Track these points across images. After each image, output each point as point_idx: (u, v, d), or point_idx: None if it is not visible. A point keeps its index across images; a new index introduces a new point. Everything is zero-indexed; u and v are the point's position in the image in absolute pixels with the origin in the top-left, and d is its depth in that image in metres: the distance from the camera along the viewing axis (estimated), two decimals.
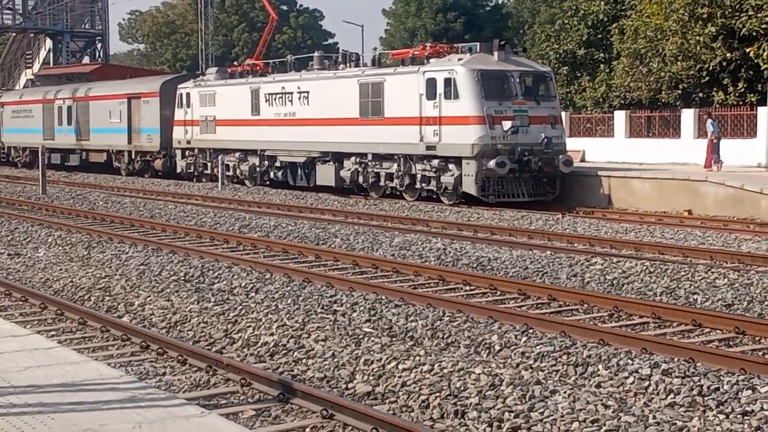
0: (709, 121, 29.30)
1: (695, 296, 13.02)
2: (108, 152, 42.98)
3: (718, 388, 8.50)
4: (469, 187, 26.08)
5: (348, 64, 31.14)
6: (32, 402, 6.82)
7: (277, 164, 33.20)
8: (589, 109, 38.91)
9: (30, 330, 10.24)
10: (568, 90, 40.53)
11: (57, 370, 7.73)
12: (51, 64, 66.06)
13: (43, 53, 69.26)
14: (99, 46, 68.04)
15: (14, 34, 71.45)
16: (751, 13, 31.84)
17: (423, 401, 8.41)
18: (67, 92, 46.62)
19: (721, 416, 7.93)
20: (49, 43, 67.76)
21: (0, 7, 65.69)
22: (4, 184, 37.58)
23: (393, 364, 9.37)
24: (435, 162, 26.94)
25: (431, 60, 27.81)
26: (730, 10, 32.72)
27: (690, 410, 8.10)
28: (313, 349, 10.16)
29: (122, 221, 23.06)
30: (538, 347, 10.01)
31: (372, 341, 10.30)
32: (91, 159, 44.43)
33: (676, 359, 9.48)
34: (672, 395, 8.43)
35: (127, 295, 13.30)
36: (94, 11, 67.67)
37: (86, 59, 67.39)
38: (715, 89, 33.96)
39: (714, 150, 28.63)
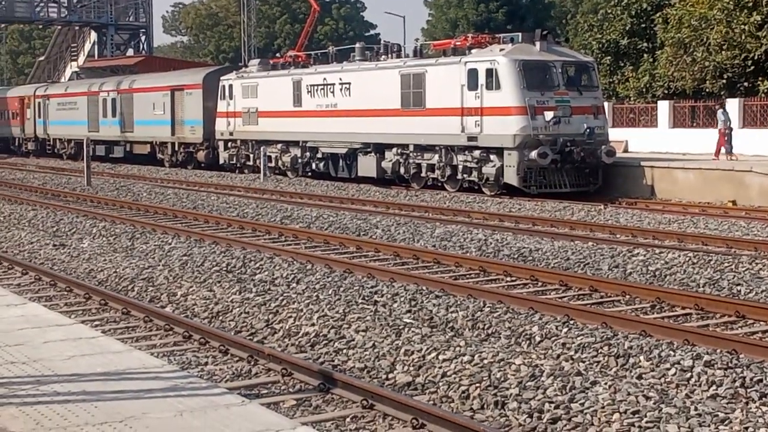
0: (720, 111, 29.23)
1: (739, 287, 12.91)
2: (152, 144, 43.32)
3: (761, 380, 8.43)
4: (511, 177, 25.99)
5: (389, 55, 31.12)
6: (76, 390, 6.90)
7: (319, 155, 33.28)
8: (632, 99, 38.59)
9: (74, 320, 10.36)
10: (610, 80, 40.20)
11: (100, 359, 7.81)
12: (96, 57, 66.69)
13: (87, 46, 69.97)
14: (143, 38, 68.59)
15: (60, 27, 72.21)
16: None
17: (463, 392, 8.42)
18: (112, 84, 47.02)
19: (764, 408, 7.87)
20: (93, 35, 68.40)
21: (46, 1, 66.35)
22: (49, 175, 38.01)
23: (433, 354, 9.38)
24: (476, 153, 26.87)
25: (473, 51, 27.72)
26: None
27: (732, 402, 8.04)
28: (353, 340, 10.20)
29: (165, 212, 23.24)
30: (579, 338, 9.98)
31: (412, 332, 10.32)
32: (135, 151, 44.81)
33: (718, 351, 9.41)
34: (714, 387, 8.37)
35: (170, 286, 13.42)
36: (138, 4, 68.20)
37: (130, 52, 67.97)
38: (760, 78, 33.54)
39: (727, 140, 28.55)
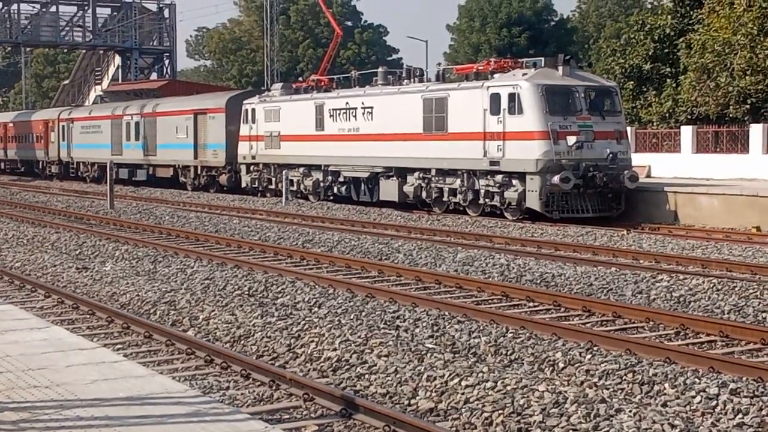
0: None
1: (764, 314, 12.79)
2: (174, 167, 43.49)
3: None
4: (533, 202, 25.93)
5: (412, 80, 31.17)
6: (98, 415, 6.89)
7: (341, 179, 33.31)
8: (655, 124, 38.48)
9: (97, 343, 10.37)
10: (633, 105, 40.11)
11: (123, 383, 7.81)
12: (119, 81, 67.12)
13: (112, 70, 70.41)
14: (166, 62, 69.00)
15: (84, 51, 72.75)
16: None
17: (486, 418, 8.36)
18: (135, 108, 47.28)
19: None
20: (118, 59, 68.86)
21: (71, 25, 66.92)
22: (73, 198, 38.20)
23: (456, 380, 9.33)
24: (498, 177, 26.83)
25: (495, 75, 27.72)
26: None
27: (759, 430, 7.95)
28: (375, 365, 10.16)
29: (188, 236, 23.29)
30: (602, 365, 9.90)
31: (435, 357, 10.27)
32: (158, 174, 45.00)
33: (744, 378, 9.31)
34: (740, 415, 8.28)
35: (192, 309, 13.42)
36: (162, 28, 68.66)
37: (154, 75, 68.38)
38: None
39: None
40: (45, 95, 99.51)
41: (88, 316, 13.29)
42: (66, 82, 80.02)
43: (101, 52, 70.65)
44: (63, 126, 53.82)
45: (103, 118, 49.81)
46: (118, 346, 11.45)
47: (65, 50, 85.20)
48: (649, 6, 49.12)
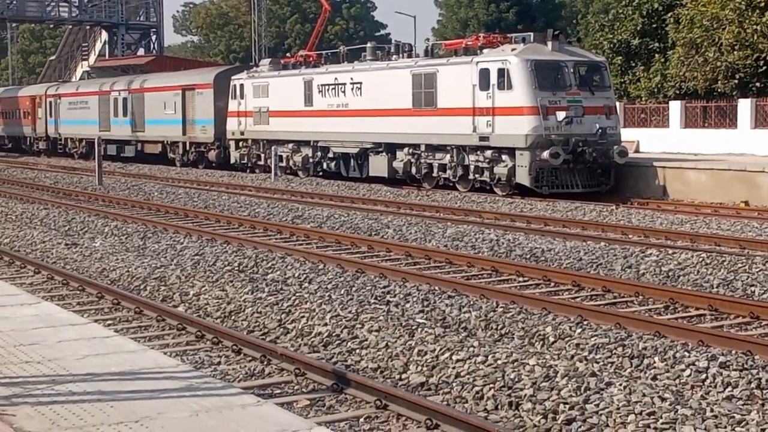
0: None
1: (753, 288, 12.86)
2: (163, 143, 43.37)
3: None
4: (523, 178, 25.94)
5: (401, 55, 31.08)
6: (91, 390, 6.90)
7: (330, 155, 33.27)
8: (643, 99, 38.50)
9: (87, 319, 10.37)
10: (622, 80, 40.10)
11: (114, 358, 7.81)
12: (106, 56, 66.77)
13: (98, 45, 70.08)
14: (153, 38, 68.66)
15: (71, 26, 72.34)
16: None
17: (477, 392, 8.40)
18: (123, 84, 47.08)
19: None
20: (104, 35, 68.50)
21: (57, 1, 66.49)
22: (61, 174, 38.08)
23: (447, 354, 9.36)
24: (488, 153, 26.82)
25: (484, 50, 27.67)
26: None
27: (748, 403, 8.00)
28: (366, 340, 10.19)
29: (177, 212, 23.26)
30: (592, 339, 9.95)
31: (425, 332, 10.30)
32: (146, 150, 44.87)
33: (733, 352, 9.37)
34: (730, 388, 8.34)
35: (182, 285, 13.42)
36: (149, 3, 68.27)
37: (141, 51, 68.05)
38: None
39: None
40: (32, 71, 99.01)
41: (78, 292, 13.29)
42: (52, 57, 79.61)
43: (87, 27, 70.27)
44: (50, 102, 53.57)
45: (91, 94, 49.58)
46: (109, 321, 11.46)
47: (51, 26, 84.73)
48: None
